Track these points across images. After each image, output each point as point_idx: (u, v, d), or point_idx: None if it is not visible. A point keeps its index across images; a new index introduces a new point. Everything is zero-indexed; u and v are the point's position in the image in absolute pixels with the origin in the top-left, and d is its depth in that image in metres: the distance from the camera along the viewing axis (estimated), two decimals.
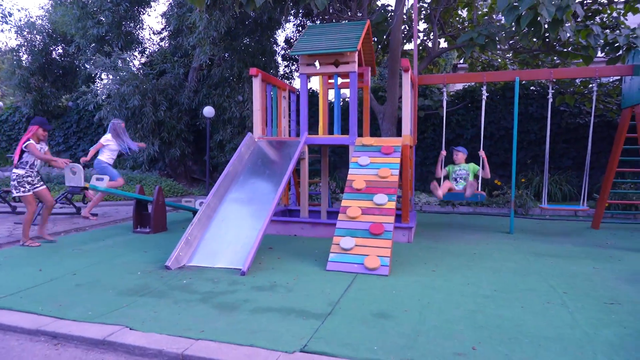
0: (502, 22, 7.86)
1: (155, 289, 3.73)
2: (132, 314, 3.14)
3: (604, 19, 8.40)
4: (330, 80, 6.86)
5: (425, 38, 10.32)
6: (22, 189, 5.25)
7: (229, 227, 4.93)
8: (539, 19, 5.82)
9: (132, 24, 12.01)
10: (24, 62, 12.81)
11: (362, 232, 4.54)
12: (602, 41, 7.40)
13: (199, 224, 4.89)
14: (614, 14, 8.36)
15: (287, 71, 13.23)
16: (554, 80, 6.36)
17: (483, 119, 6.46)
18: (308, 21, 11.93)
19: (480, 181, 5.90)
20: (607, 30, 7.88)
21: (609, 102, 9.32)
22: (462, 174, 5.88)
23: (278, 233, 6.24)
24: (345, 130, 6.51)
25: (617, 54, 7.36)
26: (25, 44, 12.83)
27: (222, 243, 4.72)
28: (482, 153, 5.92)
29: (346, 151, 10.53)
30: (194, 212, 7.40)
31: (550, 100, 6.27)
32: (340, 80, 6.72)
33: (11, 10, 16.52)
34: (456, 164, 5.98)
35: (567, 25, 6.22)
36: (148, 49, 12.79)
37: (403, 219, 5.78)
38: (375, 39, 9.45)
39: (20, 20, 12.91)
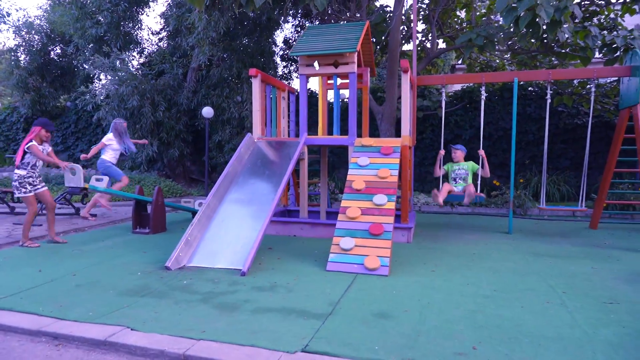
0: (501, 23, 7.89)
1: (156, 289, 3.74)
2: (133, 315, 3.15)
3: (602, 20, 8.44)
4: (329, 81, 6.88)
5: (423, 39, 10.35)
6: (24, 190, 5.25)
7: (229, 227, 4.94)
8: (537, 20, 5.85)
9: (130, 24, 12.01)
10: (22, 62, 12.80)
11: (362, 232, 4.56)
12: (600, 42, 7.43)
13: (199, 225, 4.89)
14: (612, 15, 8.40)
15: (286, 71, 13.26)
16: (552, 81, 6.38)
17: (482, 119, 6.49)
18: (307, 22, 11.95)
19: (479, 180, 5.92)
20: (605, 32, 7.91)
21: (606, 102, 9.37)
22: (462, 173, 5.88)
23: (277, 233, 6.24)
24: (344, 130, 6.52)
25: (615, 55, 7.40)
26: (24, 44, 12.82)
27: (222, 243, 4.73)
28: (481, 152, 5.93)
29: (344, 151, 10.55)
30: (193, 212, 7.40)
31: (549, 101, 6.29)
32: (339, 81, 6.73)
33: (9, 10, 16.50)
34: (455, 162, 5.98)
35: (565, 26, 6.26)
36: (147, 50, 12.80)
37: (402, 219, 5.79)
38: (374, 40, 9.46)
39: (18, 20, 12.91)
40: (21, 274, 4.18)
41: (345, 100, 10.72)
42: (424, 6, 9.63)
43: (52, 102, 13.42)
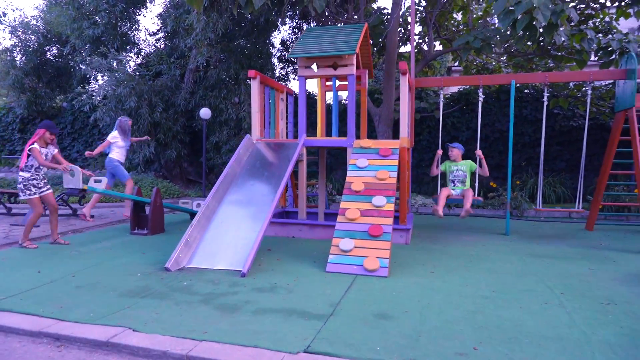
0: (497, 25, 7.95)
1: (156, 290, 3.74)
2: (134, 316, 3.15)
3: (597, 24, 8.53)
4: (328, 83, 6.90)
5: (420, 41, 10.40)
6: (28, 192, 5.25)
7: (228, 228, 4.94)
8: (534, 23, 5.89)
9: (127, 25, 11.99)
10: (18, 62, 12.74)
11: (361, 233, 4.58)
12: (596, 45, 7.51)
13: (198, 226, 4.89)
14: (607, 19, 8.49)
15: (283, 73, 13.27)
16: (549, 83, 6.44)
17: (480, 121, 6.53)
18: (304, 23, 11.98)
19: (477, 183, 5.96)
20: (600, 35, 7.99)
21: (602, 105, 9.45)
22: (460, 175, 5.91)
23: (276, 235, 6.25)
24: (342, 132, 6.53)
25: (610, 58, 7.48)
26: (20, 44, 12.76)
27: (222, 244, 4.74)
28: (479, 152, 5.97)
29: (341, 153, 10.58)
30: (191, 213, 7.39)
31: (546, 103, 6.35)
32: (338, 83, 6.76)
33: (5, 10, 16.44)
34: (452, 160, 6.01)
35: (561, 29, 6.31)
36: (144, 50, 12.77)
37: (401, 220, 5.82)
38: (372, 42, 9.50)
39: (14, 21, 12.84)
40: (20, 275, 4.17)
41: (342, 101, 10.74)
42: (421, 8, 9.68)
43: (48, 103, 13.36)
